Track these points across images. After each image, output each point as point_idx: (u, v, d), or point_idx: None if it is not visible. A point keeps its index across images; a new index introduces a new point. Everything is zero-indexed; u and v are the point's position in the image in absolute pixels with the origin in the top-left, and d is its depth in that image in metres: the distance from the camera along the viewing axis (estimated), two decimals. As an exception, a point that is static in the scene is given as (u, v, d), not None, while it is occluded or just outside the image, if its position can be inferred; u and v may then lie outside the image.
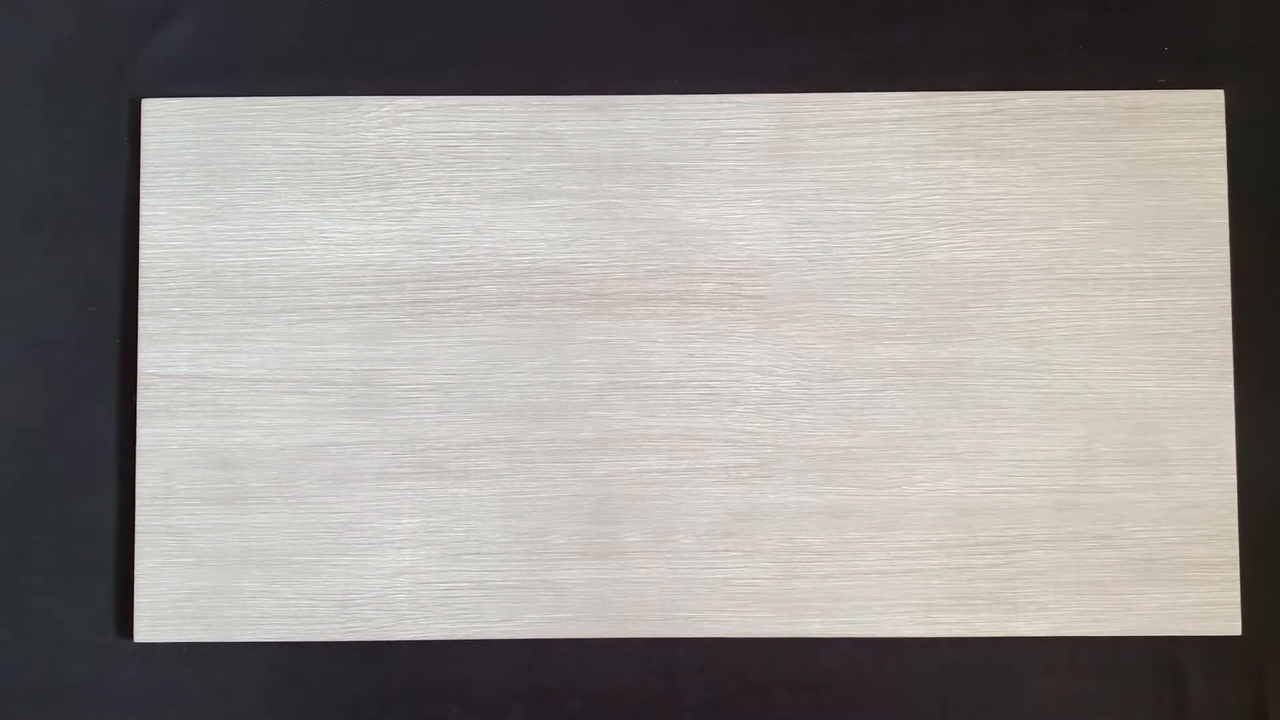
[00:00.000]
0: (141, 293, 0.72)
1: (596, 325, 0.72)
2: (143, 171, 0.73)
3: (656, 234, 0.73)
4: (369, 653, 0.72)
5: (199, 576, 0.71)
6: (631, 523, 0.72)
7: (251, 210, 0.73)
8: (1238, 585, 0.71)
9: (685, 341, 0.72)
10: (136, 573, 0.71)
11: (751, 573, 0.71)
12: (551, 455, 0.72)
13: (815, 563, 0.71)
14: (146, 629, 0.71)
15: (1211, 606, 0.71)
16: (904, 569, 0.71)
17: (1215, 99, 0.73)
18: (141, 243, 0.73)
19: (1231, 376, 0.72)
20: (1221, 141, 0.73)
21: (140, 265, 0.73)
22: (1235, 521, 0.71)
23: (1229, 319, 0.72)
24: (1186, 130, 0.73)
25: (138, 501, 0.72)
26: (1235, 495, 0.71)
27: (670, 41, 0.75)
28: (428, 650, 0.72)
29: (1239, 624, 0.71)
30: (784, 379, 0.72)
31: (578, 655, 0.72)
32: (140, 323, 0.72)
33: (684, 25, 0.75)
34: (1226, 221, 0.72)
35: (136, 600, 0.71)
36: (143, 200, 0.73)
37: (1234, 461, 0.72)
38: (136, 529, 0.71)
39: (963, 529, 0.71)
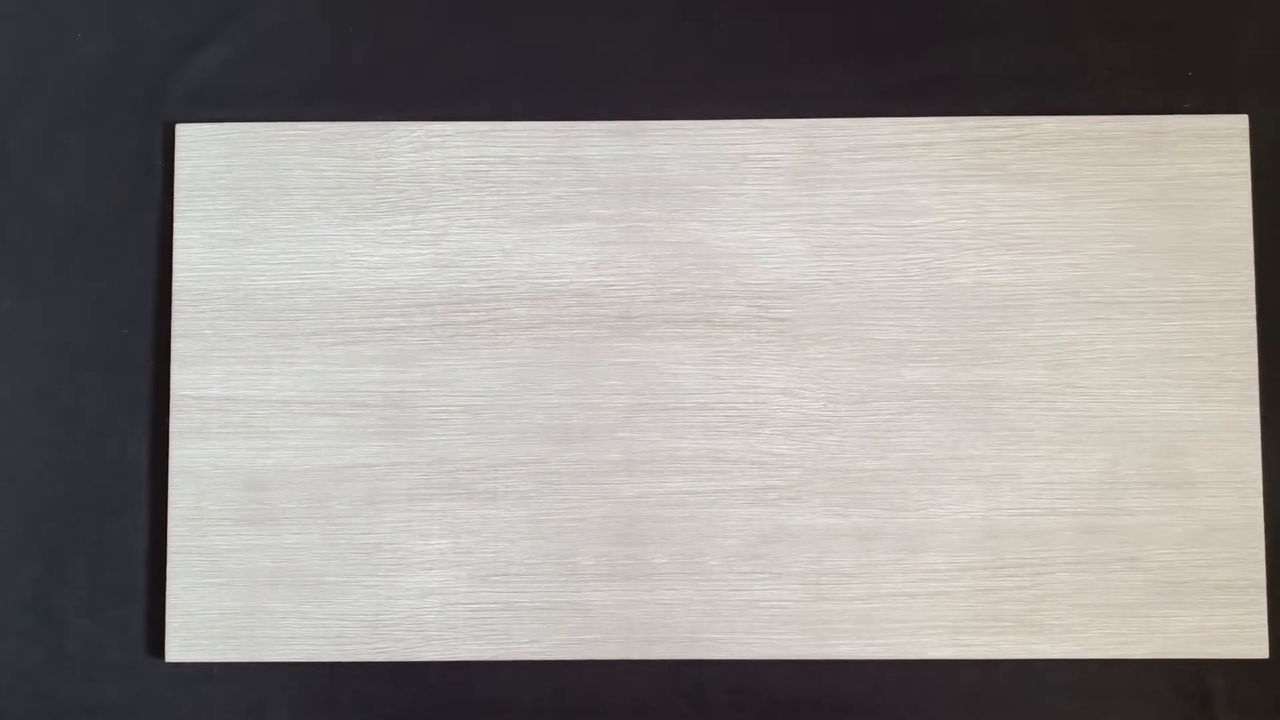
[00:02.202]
0: (175, 315, 0.73)
1: (624, 347, 0.73)
2: (176, 196, 0.74)
3: (684, 257, 0.73)
4: (398, 673, 0.72)
5: (230, 597, 0.72)
6: (659, 544, 0.72)
7: (283, 234, 0.73)
8: (1264, 608, 0.71)
9: (712, 364, 0.72)
10: (168, 593, 0.72)
11: (779, 594, 0.71)
12: (579, 477, 0.72)
13: (842, 585, 0.71)
14: (178, 649, 0.72)
15: (1238, 629, 0.71)
16: (931, 591, 0.71)
17: (1239, 123, 0.73)
18: (175, 266, 0.73)
19: (1257, 399, 0.72)
20: (1246, 165, 0.73)
21: (173, 288, 0.73)
22: (1261, 544, 0.71)
23: (1254, 342, 0.72)
24: (1211, 154, 0.73)
25: (170, 522, 0.72)
26: (1261, 517, 0.71)
27: (697, 67, 0.75)
28: (456, 671, 0.72)
29: (1266, 647, 0.71)
30: (811, 401, 0.72)
31: (605, 676, 0.72)
32: (173, 345, 0.73)
33: (711, 51, 0.76)
34: (1251, 245, 0.73)
35: (168, 620, 0.72)
36: (176, 224, 0.74)
37: (1260, 484, 0.72)
38: (168, 550, 0.72)
39: (989, 551, 0.71)
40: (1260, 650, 0.71)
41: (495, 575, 0.72)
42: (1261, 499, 0.71)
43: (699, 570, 0.72)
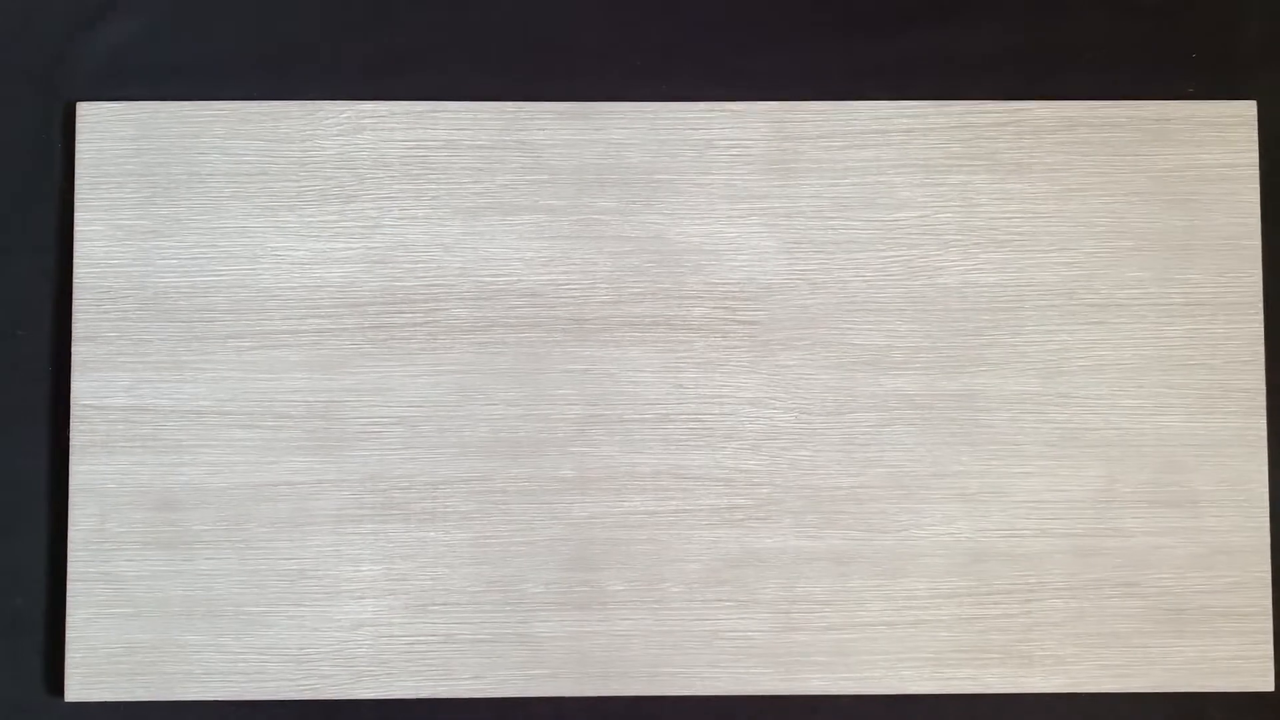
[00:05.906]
0: (75, 315, 0.70)
1: (577, 353, 0.70)
2: (77, 182, 0.71)
3: (643, 253, 0.71)
4: (327, 712, 0.69)
5: (138, 629, 0.69)
6: (615, 570, 0.70)
7: (198, 225, 0.71)
8: (1270, 637, 0.70)
9: (674, 371, 0.70)
10: (68, 624, 0.69)
11: (746, 625, 0.69)
12: (527, 496, 0.70)
13: (815, 613, 0.70)
14: (79, 687, 0.69)
15: (1242, 660, 0.70)
16: (911, 620, 0.70)
17: (1247, 110, 0.72)
18: (75, 260, 0.71)
19: (1264, 411, 0.70)
20: (1254, 156, 0.71)
21: (74, 285, 0.70)
22: (1268, 568, 0.70)
23: (1262, 349, 0.71)
24: (1216, 144, 0.72)
25: (70, 546, 0.69)
26: (1268, 539, 0.70)
27: (659, 43, 0.73)
28: (391, 710, 0.69)
29: (1271, 679, 0.70)
30: (781, 412, 0.70)
31: (556, 715, 0.69)
32: (74, 349, 0.70)
33: (674, 26, 0.73)
34: (1259, 243, 0.71)
35: (68, 655, 0.69)
36: (77, 214, 0.71)
37: (1266, 502, 0.70)
38: (69, 576, 0.69)
39: (975, 576, 0.70)
40: (1266, 683, 0.70)
41: (434, 605, 0.69)
42: (1268, 519, 0.70)
43: (659, 598, 0.69)
